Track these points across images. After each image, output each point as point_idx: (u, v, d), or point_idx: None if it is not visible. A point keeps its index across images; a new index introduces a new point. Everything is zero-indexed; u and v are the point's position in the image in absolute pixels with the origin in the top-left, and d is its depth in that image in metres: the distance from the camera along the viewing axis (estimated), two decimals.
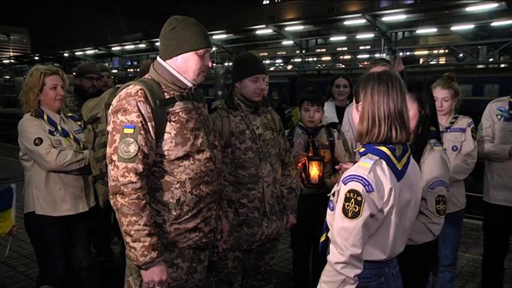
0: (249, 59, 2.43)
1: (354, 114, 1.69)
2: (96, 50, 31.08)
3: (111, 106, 1.79)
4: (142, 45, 27.67)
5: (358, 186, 1.45)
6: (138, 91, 1.75)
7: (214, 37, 22.83)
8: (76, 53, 31.53)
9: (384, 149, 1.52)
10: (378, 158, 1.51)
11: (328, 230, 1.69)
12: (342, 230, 1.47)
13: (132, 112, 1.71)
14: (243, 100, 2.40)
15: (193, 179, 1.82)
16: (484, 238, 3.24)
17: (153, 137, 1.75)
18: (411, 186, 1.59)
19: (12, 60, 43.28)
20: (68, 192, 2.69)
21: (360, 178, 1.45)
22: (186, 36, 1.83)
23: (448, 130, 2.94)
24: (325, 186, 2.93)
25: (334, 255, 1.51)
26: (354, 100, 1.68)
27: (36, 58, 36.79)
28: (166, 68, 1.86)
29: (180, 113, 1.82)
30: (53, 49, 35.69)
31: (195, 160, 1.83)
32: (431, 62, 21.85)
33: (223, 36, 23.42)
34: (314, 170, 2.87)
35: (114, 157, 1.70)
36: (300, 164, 2.88)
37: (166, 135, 1.78)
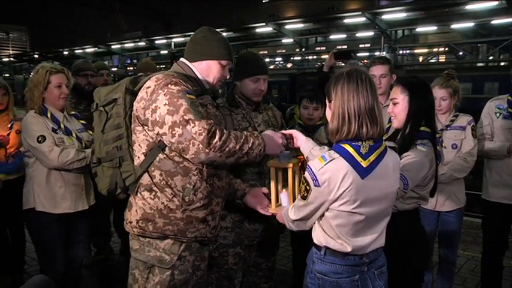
0: (251, 59, 2.45)
1: (327, 113, 1.73)
2: (96, 48, 31.01)
3: (148, 89, 1.79)
4: (142, 44, 27.63)
5: (309, 178, 1.59)
6: (176, 76, 1.85)
7: None
8: (76, 51, 31.46)
9: (347, 147, 1.58)
10: (337, 156, 1.56)
11: None
12: (297, 201, 1.71)
13: (183, 85, 1.80)
14: (243, 98, 2.42)
15: (209, 168, 1.87)
16: (483, 236, 3.25)
17: None
18: (383, 183, 1.62)
19: (12, 59, 43.22)
20: (69, 190, 2.71)
21: (311, 172, 1.58)
22: (213, 46, 1.99)
23: (448, 128, 2.95)
24: None
25: (290, 212, 1.76)
26: (326, 99, 1.71)
27: (36, 56, 36.72)
28: (190, 68, 1.99)
29: (209, 106, 1.95)
30: (52, 47, 35.65)
31: None
32: (431, 60, 21.80)
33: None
34: None
35: (189, 116, 1.70)
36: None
37: None
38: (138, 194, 1.88)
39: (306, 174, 1.60)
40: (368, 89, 1.58)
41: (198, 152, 1.70)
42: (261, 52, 27.16)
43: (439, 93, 2.89)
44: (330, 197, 1.56)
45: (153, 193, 1.84)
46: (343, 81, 1.60)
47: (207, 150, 1.69)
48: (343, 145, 1.59)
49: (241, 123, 2.41)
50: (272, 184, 2.06)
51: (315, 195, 1.58)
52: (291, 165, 1.99)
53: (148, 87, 1.81)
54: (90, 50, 30.97)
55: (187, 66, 2.00)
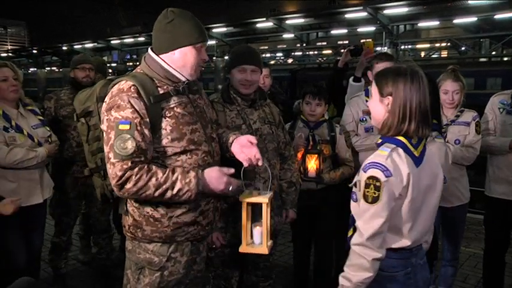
0: (239, 50, 2.43)
1: (374, 106, 1.70)
2: (95, 44, 30.96)
3: (104, 104, 1.76)
4: (141, 39, 27.57)
5: (377, 173, 1.53)
6: (130, 87, 1.72)
7: (214, 30, 22.73)
8: (75, 46, 31.43)
9: (400, 138, 1.60)
10: (394, 146, 1.59)
11: (354, 224, 1.70)
12: (363, 214, 1.57)
13: (126, 108, 1.68)
14: (238, 94, 2.38)
15: None
16: (485, 232, 3.24)
17: (150, 134, 1.73)
18: (431, 172, 1.66)
19: (10, 54, 43.26)
20: (22, 186, 2.71)
21: (378, 165, 1.54)
22: (184, 30, 1.79)
23: (453, 123, 2.95)
24: (323, 181, 2.93)
25: (354, 238, 1.60)
26: (373, 92, 1.69)
27: (34, 51, 36.67)
28: (159, 63, 1.82)
29: (175, 108, 1.80)
30: (51, 42, 35.59)
31: (192, 155, 1.82)
32: (433, 56, 21.77)
33: (224, 29, 23.34)
34: (312, 164, 2.87)
35: (110, 155, 1.67)
36: (299, 155, 2.88)
37: (162, 132, 1.75)
38: (128, 201, 1.87)
39: (371, 171, 1.55)
40: (427, 89, 1.61)
41: (114, 190, 1.72)
42: (262, 47, 27.12)
43: (452, 86, 2.91)
44: (401, 186, 1.54)
45: (138, 203, 1.82)
46: (406, 78, 1.60)
47: (120, 193, 1.70)
48: (396, 137, 1.61)
49: (235, 121, 2.36)
50: (244, 220, 1.93)
51: (389, 188, 1.53)
52: (266, 200, 1.88)
53: (104, 102, 1.78)
54: (89, 45, 30.92)
55: (155, 61, 1.83)
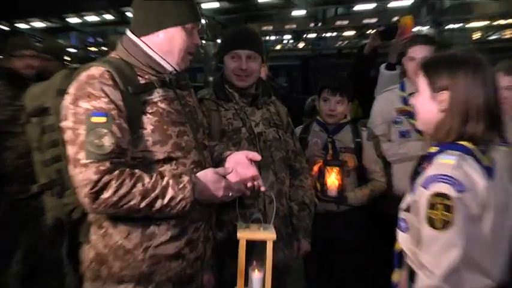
0: (232, 32, 2.47)
1: (422, 104, 1.70)
2: (47, 23, 31.02)
3: (67, 96, 1.74)
4: (109, 16, 27.64)
5: (445, 188, 1.46)
6: (103, 73, 1.73)
7: (203, 6, 22.81)
8: (18, 26, 31.46)
9: (464, 143, 1.55)
10: (460, 153, 1.54)
11: (399, 265, 1.66)
12: (430, 246, 1.49)
13: (100, 97, 1.68)
14: (235, 88, 2.41)
15: None
16: None
17: (130, 130, 1.73)
18: (503, 187, 1.61)
19: None
20: None
21: (445, 177, 1.47)
22: (171, 7, 1.84)
23: None
24: (347, 201, 2.93)
25: (421, 280, 1.51)
26: (421, 86, 1.70)
27: None
28: (140, 47, 1.86)
29: (159, 103, 1.82)
30: None
31: (178, 164, 1.82)
32: (490, 38, 21.75)
33: (216, 4, 23.40)
34: (332, 179, 2.88)
35: (80, 155, 1.63)
36: (315, 169, 2.86)
37: (141, 132, 1.76)
38: (92, 227, 1.84)
39: (436, 187, 1.49)
40: (495, 82, 1.62)
41: (84, 204, 1.66)
42: (265, 28, 27.18)
43: (504, 80, 2.91)
44: (476, 204, 1.48)
45: (103, 230, 1.80)
46: (469, 68, 1.59)
47: (93, 206, 1.63)
48: (460, 142, 1.58)
49: (233, 122, 2.38)
50: (241, 264, 1.90)
51: (464, 208, 1.46)
52: (274, 236, 1.87)
53: (67, 94, 1.75)
54: (38, 24, 30.94)
55: (135, 45, 1.87)
